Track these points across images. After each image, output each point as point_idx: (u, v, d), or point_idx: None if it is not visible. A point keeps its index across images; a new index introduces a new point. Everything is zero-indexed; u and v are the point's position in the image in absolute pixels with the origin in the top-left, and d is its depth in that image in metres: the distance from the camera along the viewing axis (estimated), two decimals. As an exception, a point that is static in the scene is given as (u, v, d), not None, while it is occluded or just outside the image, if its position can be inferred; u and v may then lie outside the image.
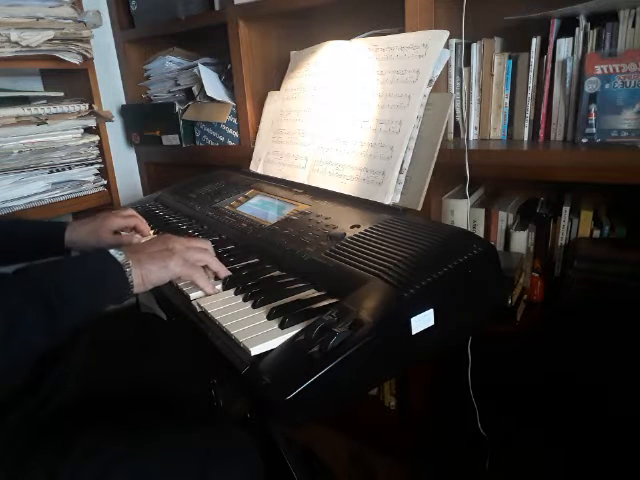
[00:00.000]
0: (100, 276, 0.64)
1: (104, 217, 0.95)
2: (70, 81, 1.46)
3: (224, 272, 0.76)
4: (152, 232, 1.03)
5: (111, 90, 1.64)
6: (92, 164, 1.49)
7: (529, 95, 1.01)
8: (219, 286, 0.74)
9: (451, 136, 1.13)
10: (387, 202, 0.90)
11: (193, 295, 0.72)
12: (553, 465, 1.06)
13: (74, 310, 0.60)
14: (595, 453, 0.97)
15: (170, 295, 0.76)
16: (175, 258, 0.69)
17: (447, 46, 0.93)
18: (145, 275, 0.66)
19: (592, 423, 0.96)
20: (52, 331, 0.58)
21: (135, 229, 0.99)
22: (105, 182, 1.52)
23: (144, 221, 1.00)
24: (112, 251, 0.66)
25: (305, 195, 1.03)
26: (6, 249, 0.93)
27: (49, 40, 1.27)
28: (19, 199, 1.33)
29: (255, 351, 0.57)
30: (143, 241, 0.95)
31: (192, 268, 0.71)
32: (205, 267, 0.75)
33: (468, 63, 1.07)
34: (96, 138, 1.47)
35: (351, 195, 0.97)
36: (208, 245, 0.78)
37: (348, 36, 1.12)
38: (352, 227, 0.82)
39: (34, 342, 0.58)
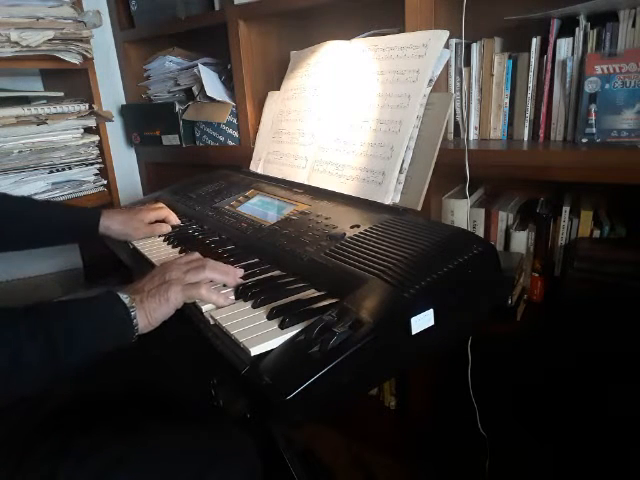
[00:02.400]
0: (107, 319, 0.63)
1: (138, 210, 1.05)
2: (70, 81, 1.46)
3: (233, 280, 0.73)
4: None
5: (111, 90, 1.64)
6: (92, 164, 1.49)
7: (529, 95, 1.01)
8: (232, 296, 0.71)
9: (451, 136, 1.13)
10: (387, 202, 0.90)
11: (205, 308, 0.69)
12: (553, 465, 1.06)
13: (78, 352, 0.60)
14: (595, 453, 0.97)
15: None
16: (173, 288, 0.67)
17: (447, 46, 0.93)
18: (149, 314, 0.65)
19: (592, 423, 0.96)
20: (54, 372, 0.58)
21: (165, 221, 1.05)
22: (105, 182, 1.52)
23: (172, 212, 1.08)
24: (119, 293, 0.65)
25: (305, 195, 1.03)
26: (40, 232, 0.96)
27: (49, 40, 1.28)
28: (19, 199, 1.33)
29: (255, 351, 0.57)
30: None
31: (193, 289, 0.68)
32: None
33: (468, 63, 1.07)
34: (96, 138, 1.47)
35: (351, 195, 0.97)
36: (207, 261, 0.74)
37: (348, 36, 1.12)
38: (352, 227, 0.81)
39: (34, 381, 0.57)
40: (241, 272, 0.75)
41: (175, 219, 1.07)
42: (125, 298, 0.65)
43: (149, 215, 1.03)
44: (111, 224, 1.00)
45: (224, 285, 0.74)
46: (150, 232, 1.02)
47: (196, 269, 0.72)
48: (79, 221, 1.01)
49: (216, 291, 0.69)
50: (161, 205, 1.09)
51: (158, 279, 0.70)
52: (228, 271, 0.74)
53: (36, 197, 1.36)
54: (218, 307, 0.68)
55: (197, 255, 0.78)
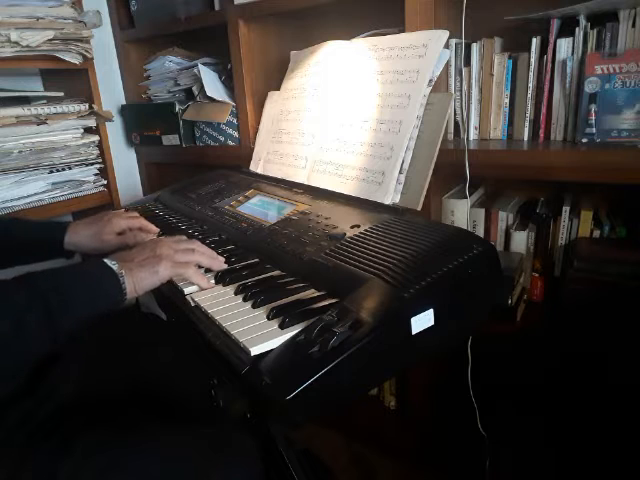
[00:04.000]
0: (97, 284, 0.66)
1: (108, 219, 0.94)
2: (70, 81, 1.46)
3: (217, 265, 0.79)
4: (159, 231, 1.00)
5: (111, 90, 1.64)
6: (92, 164, 1.49)
7: (529, 95, 1.01)
8: (212, 281, 0.76)
9: (451, 136, 1.13)
10: (387, 202, 0.90)
11: (187, 290, 0.74)
12: (553, 465, 1.06)
13: (72, 316, 0.62)
14: (595, 453, 0.97)
15: (170, 295, 0.76)
16: (163, 263, 0.71)
17: (447, 46, 0.93)
18: (136, 283, 0.68)
19: (592, 422, 0.96)
20: (52, 336, 0.60)
21: (141, 229, 0.96)
22: (105, 182, 1.52)
23: (148, 223, 0.98)
24: (106, 260, 0.69)
25: (305, 195, 1.03)
26: (2, 250, 0.91)
27: (49, 40, 1.27)
28: (19, 199, 1.33)
29: (255, 351, 0.57)
30: (148, 239, 0.93)
31: (182, 267, 0.73)
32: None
33: (468, 63, 1.07)
34: (96, 138, 1.47)
35: (351, 195, 0.97)
36: (196, 244, 0.79)
37: (348, 36, 1.12)
38: (352, 227, 0.81)
39: (37, 347, 0.61)
40: (225, 264, 0.80)
41: (152, 227, 0.98)
42: (113, 265, 0.68)
43: (120, 223, 0.93)
44: (79, 240, 0.92)
45: (205, 270, 0.79)
46: (121, 243, 0.92)
47: (186, 251, 0.76)
48: (41, 239, 0.93)
49: (201, 274, 0.75)
50: (135, 214, 1.00)
51: (149, 252, 0.73)
52: (214, 257, 0.79)
53: (36, 197, 1.36)
54: (201, 289, 0.74)
55: (183, 237, 0.83)
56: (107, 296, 0.67)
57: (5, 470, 0.63)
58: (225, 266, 0.79)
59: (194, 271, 0.74)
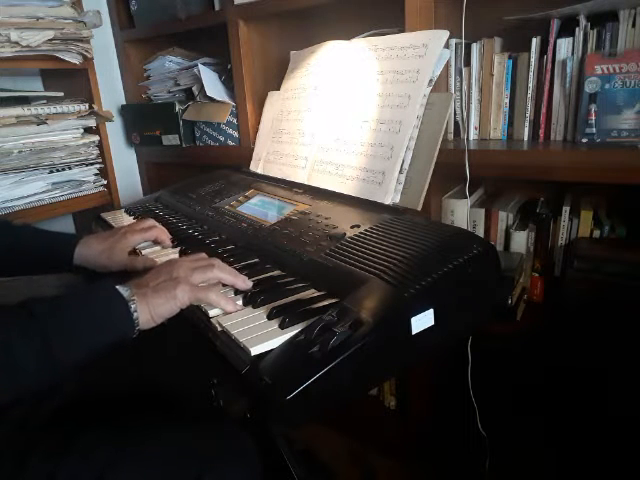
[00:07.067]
0: (105, 314, 0.61)
1: (121, 235, 0.90)
2: (70, 81, 1.46)
3: (242, 284, 0.71)
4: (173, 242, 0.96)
5: (111, 90, 1.64)
6: (92, 164, 1.49)
7: (529, 95, 1.01)
8: (240, 301, 0.69)
9: (451, 136, 1.13)
10: (387, 202, 0.90)
11: (212, 313, 0.67)
12: (553, 465, 1.06)
13: (76, 350, 0.58)
14: (595, 453, 0.97)
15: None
16: (181, 286, 0.65)
17: (447, 46, 0.93)
18: (152, 310, 0.63)
19: (592, 423, 0.96)
20: (52, 371, 0.56)
21: (156, 241, 0.95)
22: (105, 182, 1.52)
23: (165, 230, 0.95)
24: (119, 286, 0.63)
25: (305, 195, 1.03)
26: (9, 258, 0.88)
27: (49, 40, 1.28)
28: (19, 199, 1.33)
29: (255, 351, 0.57)
30: (161, 255, 0.90)
31: (201, 291, 0.67)
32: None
33: (468, 63, 1.07)
34: (96, 138, 1.47)
35: (351, 195, 0.97)
36: (216, 261, 0.73)
37: (348, 36, 1.12)
38: (352, 227, 0.82)
39: (32, 381, 0.56)
40: (250, 283, 0.73)
41: (167, 239, 0.94)
42: (125, 291, 0.63)
43: (134, 239, 0.90)
44: (89, 254, 0.88)
45: (235, 292, 0.72)
46: (129, 265, 0.87)
47: (204, 268, 0.70)
48: (50, 249, 0.89)
49: (225, 296, 0.68)
50: (150, 224, 0.95)
51: (164, 275, 0.68)
52: (236, 274, 0.72)
53: (36, 197, 1.36)
54: (226, 313, 0.67)
55: (203, 255, 0.76)
56: (116, 326, 0.61)
57: (8, 467, 0.63)
58: (250, 284, 0.72)
59: (215, 294, 0.67)
